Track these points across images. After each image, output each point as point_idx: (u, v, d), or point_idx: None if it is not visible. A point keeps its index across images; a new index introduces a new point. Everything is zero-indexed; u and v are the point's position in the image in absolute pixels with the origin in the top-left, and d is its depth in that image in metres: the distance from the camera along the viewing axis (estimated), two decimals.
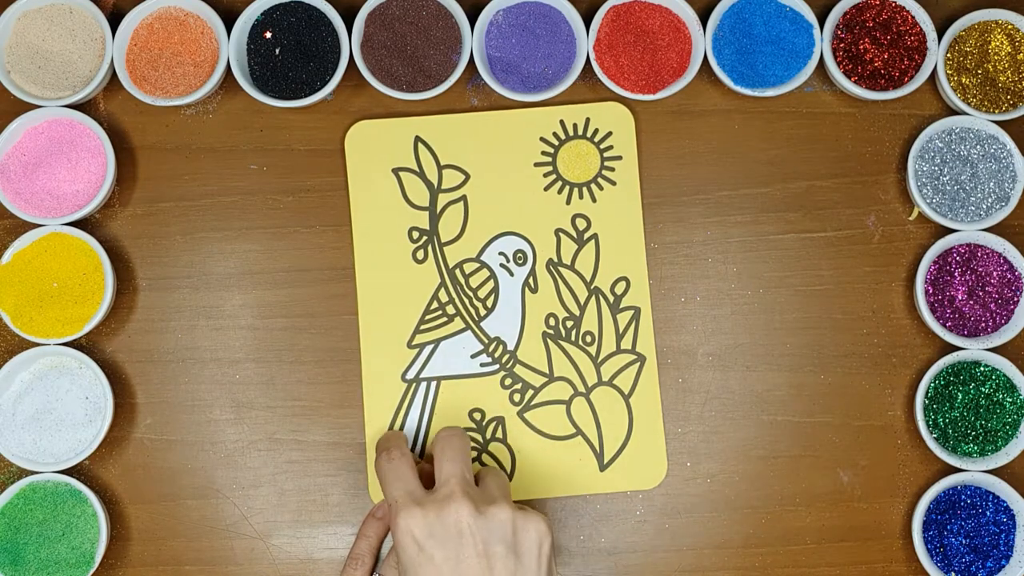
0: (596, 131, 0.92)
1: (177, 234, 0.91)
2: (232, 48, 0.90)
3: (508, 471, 0.89)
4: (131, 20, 0.90)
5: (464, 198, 0.91)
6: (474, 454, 0.89)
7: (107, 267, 0.87)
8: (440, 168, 0.91)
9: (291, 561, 0.89)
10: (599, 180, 0.91)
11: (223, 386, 0.90)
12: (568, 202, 0.91)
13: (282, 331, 0.91)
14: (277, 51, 0.90)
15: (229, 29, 0.90)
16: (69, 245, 0.88)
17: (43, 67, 0.90)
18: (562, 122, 0.92)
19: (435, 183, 0.91)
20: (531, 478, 0.89)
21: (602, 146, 0.92)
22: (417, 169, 0.91)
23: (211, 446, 0.90)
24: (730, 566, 0.89)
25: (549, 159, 0.92)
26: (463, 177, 0.91)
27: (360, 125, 0.92)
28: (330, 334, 0.90)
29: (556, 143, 0.92)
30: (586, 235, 0.91)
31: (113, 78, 0.91)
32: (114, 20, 0.90)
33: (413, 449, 0.89)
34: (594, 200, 0.91)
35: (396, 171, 0.91)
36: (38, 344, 0.88)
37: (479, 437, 0.89)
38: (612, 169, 0.91)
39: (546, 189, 0.91)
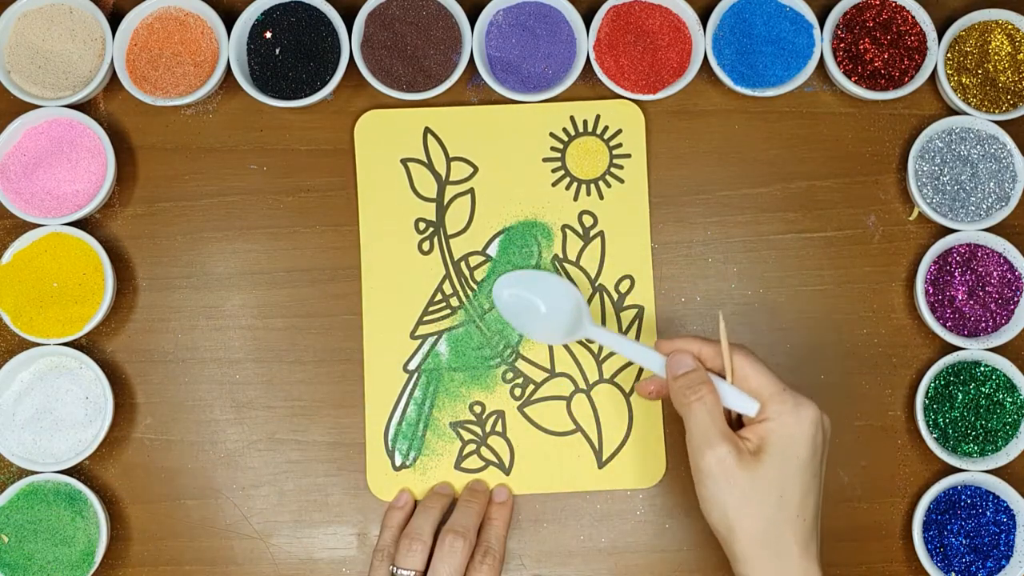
0: (606, 128, 0.92)
1: (177, 234, 0.91)
2: (232, 48, 0.90)
3: (507, 465, 0.89)
4: (131, 20, 0.90)
5: (472, 191, 0.91)
6: (473, 447, 0.89)
7: (107, 267, 0.87)
8: (448, 160, 0.91)
9: (291, 561, 0.89)
10: (607, 178, 0.91)
11: (223, 386, 0.90)
12: (575, 198, 0.91)
13: (282, 331, 0.91)
14: (277, 51, 0.90)
15: (229, 29, 0.90)
16: (69, 245, 0.88)
17: (43, 67, 0.90)
18: (572, 118, 0.92)
19: (443, 175, 0.91)
20: (529, 473, 0.89)
21: (611, 143, 0.92)
22: (426, 160, 0.91)
23: (211, 446, 0.90)
24: (730, 566, 0.89)
25: (558, 155, 0.92)
26: (471, 170, 0.91)
27: (370, 115, 0.92)
28: (330, 334, 0.90)
29: (566, 139, 0.92)
30: (592, 232, 0.91)
31: (113, 78, 0.91)
32: (114, 20, 0.90)
33: (413, 438, 0.89)
34: (601, 197, 0.91)
35: (404, 161, 0.91)
36: (38, 344, 0.88)
37: (478, 430, 0.89)
38: (620, 167, 0.91)
39: (554, 185, 0.91)
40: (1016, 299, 0.89)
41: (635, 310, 0.90)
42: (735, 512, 0.73)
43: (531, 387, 0.90)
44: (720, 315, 0.78)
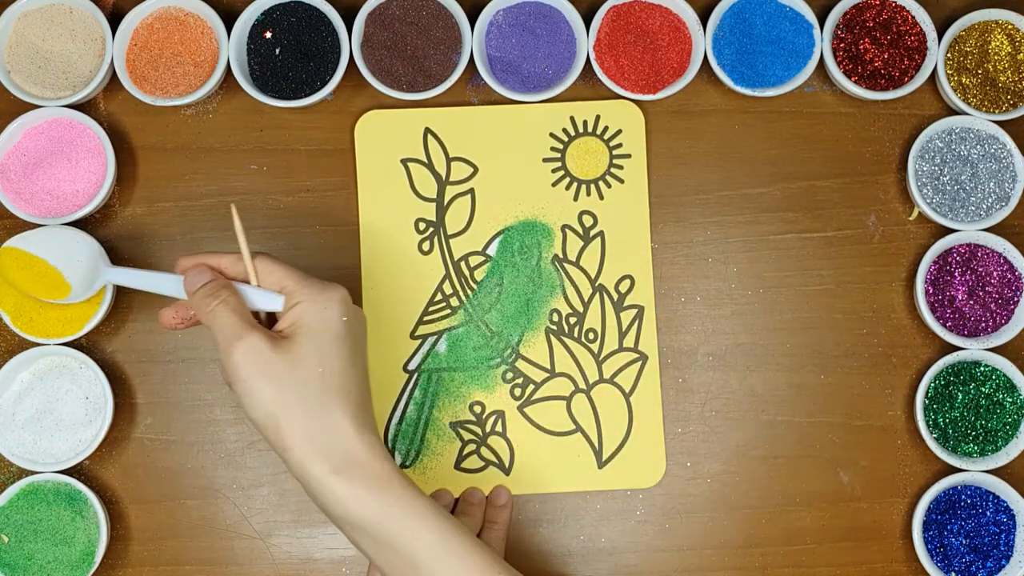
0: (606, 128, 0.92)
1: (177, 234, 0.91)
2: (232, 48, 0.90)
3: (506, 465, 0.89)
4: (131, 20, 0.90)
5: (472, 191, 0.91)
6: (473, 447, 0.89)
7: None
8: (449, 160, 0.91)
9: (291, 561, 0.89)
10: (607, 178, 0.91)
11: (223, 386, 0.90)
12: (575, 199, 0.91)
13: None
14: (277, 51, 0.90)
15: (229, 29, 0.90)
16: None
17: (43, 67, 0.90)
18: (572, 119, 0.92)
19: (443, 175, 0.91)
20: (529, 473, 0.89)
21: (611, 144, 0.92)
22: (426, 160, 0.91)
23: (211, 446, 0.90)
24: (730, 566, 0.89)
25: (558, 155, 0.92)
26: (471, 170, 0.91)
27: (371, 115, 0.92)
28: None
29: (566, 139, 0.92)
30: (592, 232, 0.91)
31: (113, 78, 0.91)
32: (114, 20, 0.90)
33: (413, 438, 0.89)
34: (601, 197, 0.91)
35: (405, 162, 0.91)
36: (38, 344, 0.88)
37: (478, 430, 0.89)
38: (620, 167, 0.91)
39: (554, 185, 0.91)
40: (1016, 299, 0.89)
41: (635, 310, 0.90)
42: (278, 403, 0.69)
43: (531, 387, 0.90)
44: (233, 208, 0.76)
